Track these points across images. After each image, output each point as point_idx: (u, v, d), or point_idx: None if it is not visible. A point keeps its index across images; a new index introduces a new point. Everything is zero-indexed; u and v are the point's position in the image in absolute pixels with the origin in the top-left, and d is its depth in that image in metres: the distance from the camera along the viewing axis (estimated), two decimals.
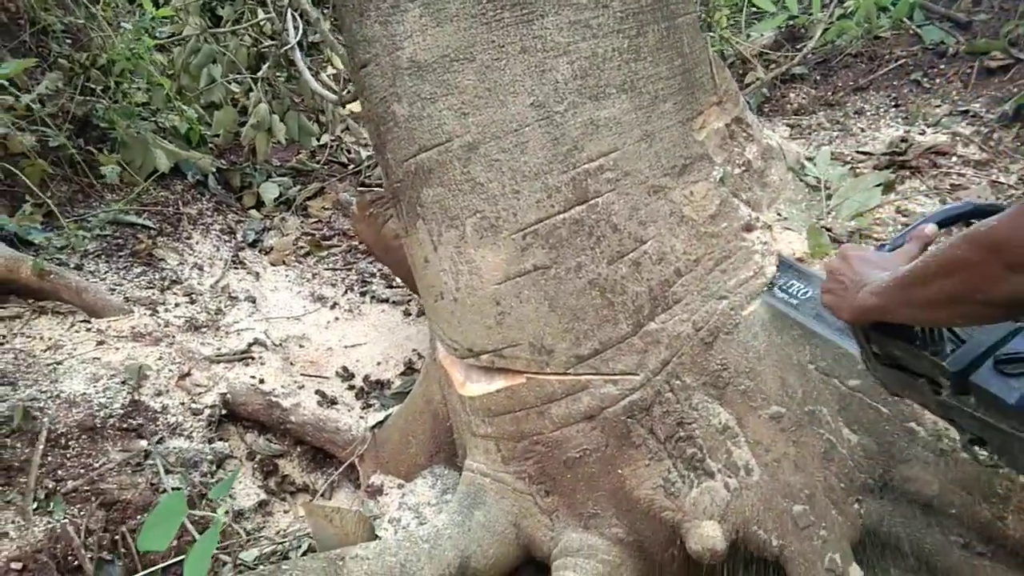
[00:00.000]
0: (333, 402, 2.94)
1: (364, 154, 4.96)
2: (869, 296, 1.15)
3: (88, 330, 2.88)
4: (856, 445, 1.87)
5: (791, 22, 3.96)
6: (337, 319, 3.46)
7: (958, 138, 2.73)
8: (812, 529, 1.80)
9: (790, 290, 1.88)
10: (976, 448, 1.21)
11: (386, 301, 3.58)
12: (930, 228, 1.23)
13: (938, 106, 3.01)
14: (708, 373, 1.85)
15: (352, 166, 4.84)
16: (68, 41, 3.92)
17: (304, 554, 2.24)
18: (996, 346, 1.10)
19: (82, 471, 2.27)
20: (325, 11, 5.19)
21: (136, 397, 2.57)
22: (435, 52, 1.73)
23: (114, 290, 3.17)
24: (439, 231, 1.87)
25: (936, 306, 1.00)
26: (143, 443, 2.44)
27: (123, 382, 2.61)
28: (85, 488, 2.23)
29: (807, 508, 1.81)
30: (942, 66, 3.26)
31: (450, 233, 1.85)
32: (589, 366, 1.83)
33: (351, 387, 3.05)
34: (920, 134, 2.82)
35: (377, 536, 2.16)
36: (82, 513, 2.16)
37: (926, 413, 1.86)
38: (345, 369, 3.12)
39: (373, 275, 3.79)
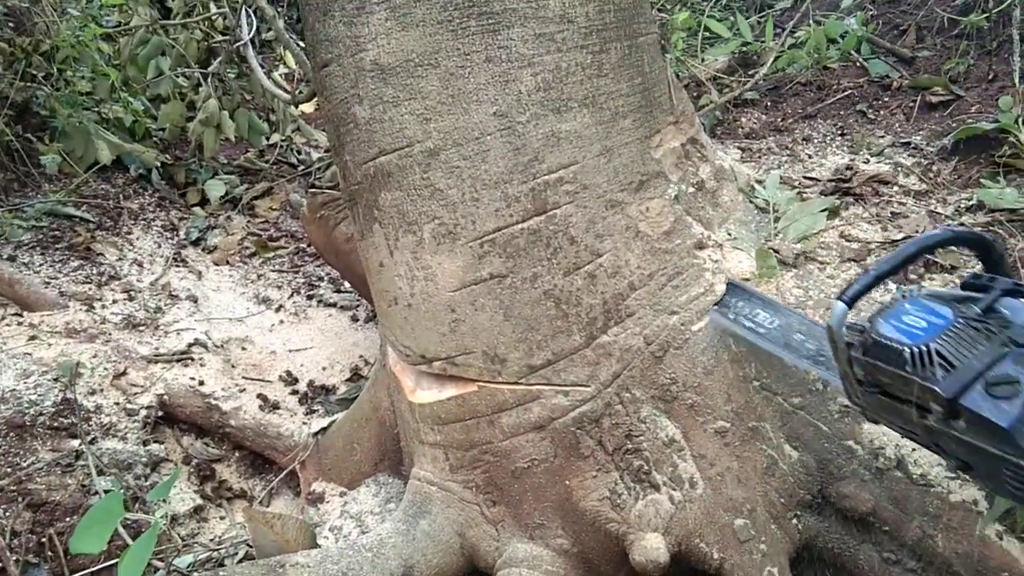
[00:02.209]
0: (275, 407, 2.88)
1: (315, 155, 4.90)
2: None
3: (20, 324, 2.77)
4: (796, 461, 1.92)
5: (744, 48, 4.07)
6: (282, 322, 3.40)
7: (900, 168, 2.84)
8: (752, 543, 1.84)
9: (756, 319, 1.87)
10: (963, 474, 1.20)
11: (333, 305, 3.52)
12: None
13: (882, 137, 3.12)
14: (657, 387, 1.88)
15: (302, 167, 4.77)
16: (10, 24, 3.78)
17: (240, 562, 2.18)
18: (986, 370, 1.09)
19: (9, 470, 2.18)
20: (280, 8, 5.12)
21: (68, 395, 2.47)
22: (399, 56, 1.72)
23: (49, 283, 3.06)
24: (396, 236, 1.86)
25: None
26: (75, 443, 2.35)
27: (55, 379, 2.51)
28: (12, 488, 2.13)
29: (748, 522, 1.85)
30: (886, 99, 3.39)
31: (407, 238, 1.84)
32: (541, 376, 1.83)
33: (295, 392, 2.99)
34: (864, 163, 2.92)
35: (318, 544, 2.12)
36: (8, 514, 2.07)
37: (864, 432, 1.92)
38: (289, 373, 3.06)
39: (321, 279, 3.73)
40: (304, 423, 2.80)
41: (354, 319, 3.42)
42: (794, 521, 1.92)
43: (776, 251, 2.17)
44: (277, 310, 3.47)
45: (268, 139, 4.78)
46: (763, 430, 1.92)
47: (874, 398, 1.26)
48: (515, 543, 1.92)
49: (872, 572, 1.89)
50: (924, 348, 1.14)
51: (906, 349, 1.16)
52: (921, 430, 1.19)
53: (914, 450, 1.90)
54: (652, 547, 1.75)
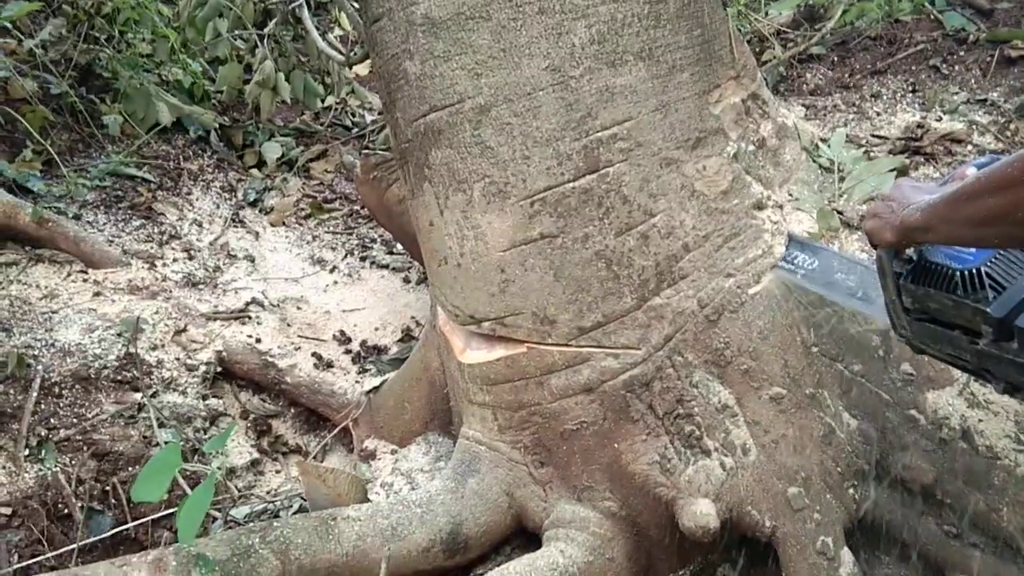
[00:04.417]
0: (329, 365, 2.93)
1: (369, 118, 4.90)
2: (914, 212, 1.12)
3: (85, 280, 2.86)
4: (855, 430, 1.86)
5: (810, 1, 3.90)
6: (336, 283, 3.44)
7: (975, 126, 2.69)
8: (806, 512, 1.80)
9: (795, 262, 1.87)
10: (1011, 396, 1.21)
11: (386, 267, 3.55)
12: (972, 171, 1.18)
13: (956, 93, 2.96)
14: (710, 351, 1.83)
15: (356, 129, 4.77)
16: None
17: (295, 514, 2.23)
18: None
19: (75, 421, 2.26)
20: None
21: (131, 350, 2.55)
22: (450, 9, 1.68)
23: (112, 242, 3.14)
24: (446, 194, 1.84)
25: (976, 224, 0.98)
26: (137, 396, 2.43)
27: (119, 334, 2.59)
28: (77, 438, 2.21)
29: (802, 491, 1.81)
30: (962, 53, 3.20)
31: (457, 197, 1.82)
32: (591, 338, 1.81)
33: (348, 351, 3.03)
34: (936, 120, 2.78)
35: (369, 499, 2.15)
36: (73, 462, 2.15)
37: (927, 401, 1.85)
38: (342, 333, 3.10)
39: (374, 240, 3.75)
40: (357, 382, 2.84)
41: (406, 280, 3.44)
42: (851, 491, 1.87)
43: (840, 212, 2.08)
44: (331, 271, 3.51)
45: (323, 101, 4.79)
46: (821, 397, 1.86)
47: (921, 326, 1.27)
48: (563, 504, 1.92)
49: (933, 546, 1.83)
50: (974, 271, 1.14)
51: (956, 273, 1.15)
52: (971, 355, 1.19)
53: (980, 421, 1.82)
54: (702, 512, 1.73)
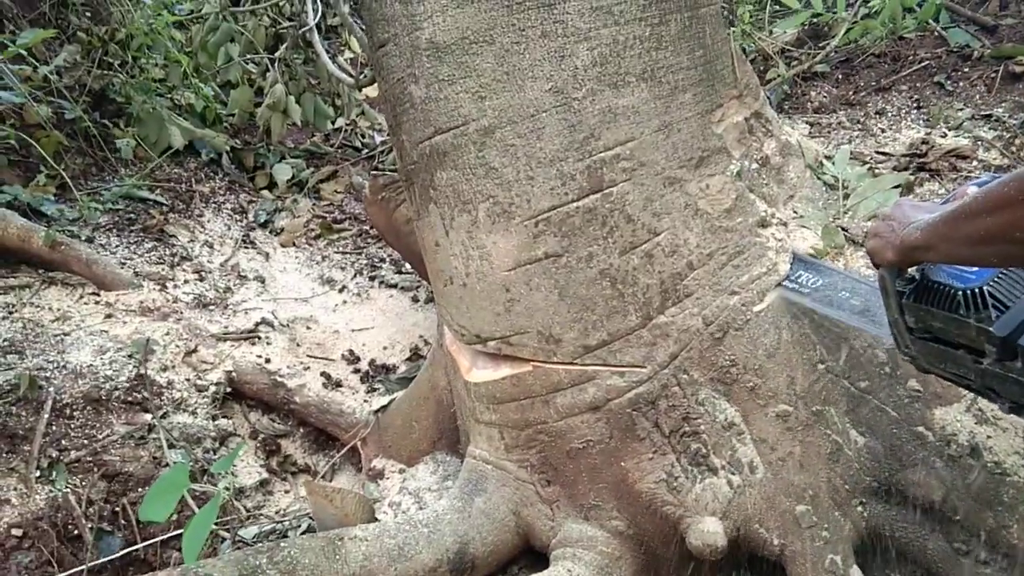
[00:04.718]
0: (338, 384, 2.94)
1: (378, 139, 4.95)
2: (913, 231, 1.13)
3: (97, 303, 2.89)
4: (863, 447, 1.85)
5: (815, 20, 3.92)
6: (345, 302, 3.46)
7: (980, 142, 2.69)
8: (814, 530, 1.79)
9: (799, 280, 1.88)
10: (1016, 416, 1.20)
11: (395, 287, 3.57)
12: (973, 190, 1.17)
13: (960, 109, 2.96)
14: (716, 368, 1.83)
15: (366, 151, 4.82)
16: (87, 14, 3.92)
17: (303, 534, 2.24)
18: None
19: (85, 442, 2.28)
20: None
21: (142, 371, 2.57)
22: (455, 34, 1.71)
23: (124, 264, 3.17)
24: (451, 215, 1.86)
25: (975, 243, 0.99)
26: (147, 417, 2.44)
27: (130, 356, 2.61)
28: (88, 459, 2.23)
29: (810, 508, 1.80)
30: (966, 69, 3.21)
31: (462, 218, 1.84)
32: (596, 357, 1.81)
33: (356, 370, 3.05)
34: (941, 137, 2.78)
35: (377, 519, 2.16)
36: (84, 483, 2.17)
37: (935, 418, 1.84)
38: (351, 352, 3.12)
39: (383, 260, 3.78)
40: (365, 401, 2.85)
41: (414, 300, 3.46)
42: (859, 508, 1.86)
43: (844, 229, 2.09)
44: (340, 291, 3.53)
45: (333, 123, 4.84)
46: (828, 414, 1.86)
47: (925, 345, 1.27)
48: (570, 523, 1.92)
49: (942, 563, 1.82)
50: (977, 290, 1.13)
51: (959, 292, 1.15)
52: (976, 374, 1.18)
53: (989, 437, 1.81)
54: (709, 531, 1.72)
